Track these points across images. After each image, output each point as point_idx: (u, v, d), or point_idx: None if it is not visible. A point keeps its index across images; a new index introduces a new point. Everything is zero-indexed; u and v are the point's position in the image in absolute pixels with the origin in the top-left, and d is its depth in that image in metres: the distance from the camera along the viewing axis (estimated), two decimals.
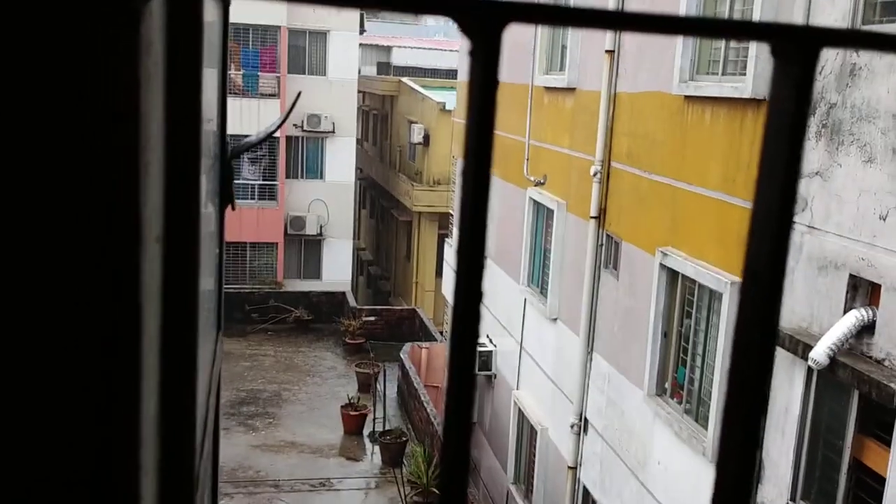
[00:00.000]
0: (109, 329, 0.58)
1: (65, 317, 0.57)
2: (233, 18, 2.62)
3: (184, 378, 0.83)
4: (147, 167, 0.58)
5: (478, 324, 0.42)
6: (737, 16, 8.18)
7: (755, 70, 7.45)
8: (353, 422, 17.45)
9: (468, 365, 0.43)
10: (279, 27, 25.16)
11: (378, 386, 18.42)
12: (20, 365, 0.57)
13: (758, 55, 7.49)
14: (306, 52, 26.20)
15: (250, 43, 25.23)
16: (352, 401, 17.74)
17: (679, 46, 8.75)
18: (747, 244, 0.45)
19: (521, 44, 13.47)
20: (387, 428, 17.09)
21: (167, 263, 0.71)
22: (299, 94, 3.32)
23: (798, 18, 6.95)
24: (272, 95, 25.19)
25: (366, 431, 17.50)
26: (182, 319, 0.78)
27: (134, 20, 0.52)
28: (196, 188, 0.85)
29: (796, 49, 0.38)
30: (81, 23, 0.51)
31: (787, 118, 0.38)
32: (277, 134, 24.38)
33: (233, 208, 1.72)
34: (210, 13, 1.45)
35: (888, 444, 5.95)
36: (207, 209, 1.35)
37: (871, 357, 6.07)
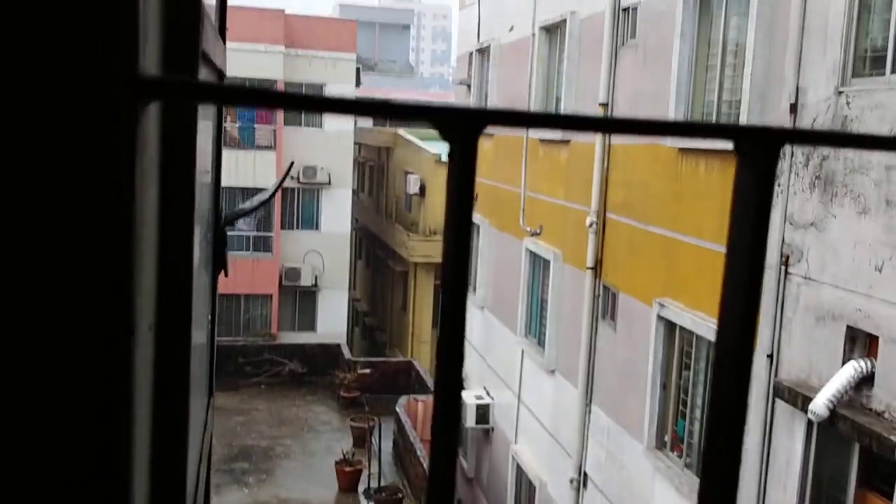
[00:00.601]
0: (100, 419, 0.59)
1: (55, 399, 0.57)
2: (229, 72, 2.66)
3: (174, 458, 0.83)
4: (140, 256, 0.59)
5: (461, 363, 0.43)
6: (728, 70, 8.32)
7: (748, 123, 7.55)
8: (348, 478, 17.17)
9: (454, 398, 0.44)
10: (276, 81, 25.53)
11: (373, 441, 18.20)
12: (12, 445, 0.57)
13: (750, 108, 7.60)
14: None
15: None
16: (346, 456, 17.49)
17: (672, 99, 8.87)
18: (718, 325, 0.46)
19: (515, 96, 13.64)
20: (382, 484, 16.82)
21: (159, 350, 0.71)
22: (292, 164, 3.39)
23: (789, 73, 7.07)
24: (268, 147, 25.42)
25: (361, 488, 17.22)
26: (173, 406, 0.78)
27: (130, 125, 0.53)
28: (188, 277, 0.86)
29: (757, 149, 0.39)
30: (77, 127, 0.52)
31: (750, 213, 0.39)
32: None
33: (226, 275, 1.73)
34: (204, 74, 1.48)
35: (890, 497, 5.88)
36: (200, 277, 1.36)
37: (871, 409, 6.03)
